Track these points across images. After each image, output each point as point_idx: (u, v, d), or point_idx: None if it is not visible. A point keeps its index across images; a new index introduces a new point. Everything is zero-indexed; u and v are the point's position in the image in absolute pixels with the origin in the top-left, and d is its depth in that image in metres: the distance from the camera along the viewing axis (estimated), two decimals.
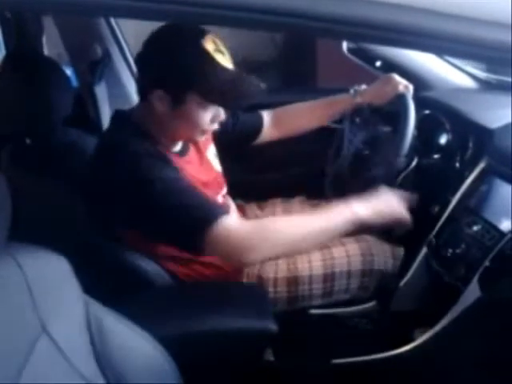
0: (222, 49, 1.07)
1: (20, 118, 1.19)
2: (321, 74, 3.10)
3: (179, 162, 1.14)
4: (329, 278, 1.28)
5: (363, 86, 1.44)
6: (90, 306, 0.81)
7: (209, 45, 1.04)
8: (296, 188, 1.66)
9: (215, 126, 1.15)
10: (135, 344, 0.85)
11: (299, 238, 1.05)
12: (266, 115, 1.49)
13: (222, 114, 1.12)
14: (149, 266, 1.16)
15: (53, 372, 0.73)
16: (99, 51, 1.53)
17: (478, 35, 0.67)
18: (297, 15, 0.65)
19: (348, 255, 1.30)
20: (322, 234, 1.06)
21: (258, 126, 1.48)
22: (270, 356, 1.13)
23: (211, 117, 1.11)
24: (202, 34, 1.04)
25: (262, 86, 1.11)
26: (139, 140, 1.08)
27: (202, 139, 1.21)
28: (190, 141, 1.21)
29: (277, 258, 1.14)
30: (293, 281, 1.27)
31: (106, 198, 1.08)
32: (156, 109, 1.08)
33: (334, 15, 0.65)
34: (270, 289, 1.26)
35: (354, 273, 1.30)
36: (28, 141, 1.25)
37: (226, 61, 1.07)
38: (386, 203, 1.10)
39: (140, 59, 1.11)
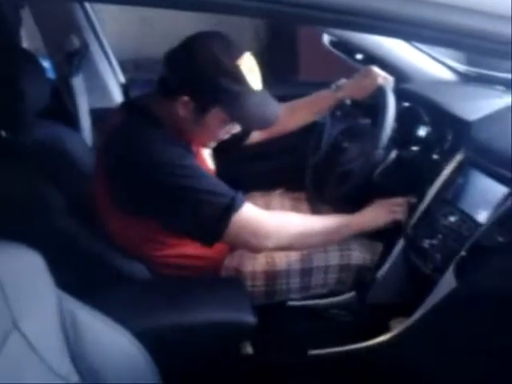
0: (255, 69, 1.08)
1: None
2: (303, 66, 3.10)
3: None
4: (306, 272, 1.29)
5: (343, 80, 1.44)
6: (63, 302, 0.80)
7: (244, 64, 1.05)
8: (276, 181, 1.66)
9: (227, 136, 1.18)
10: (110, 339, 0.85)
11: (310, 234, 1.15)
12: None
13: (238, 127, 1.16)
14: (127, 260, 1.15)
15: (24, 370, 0.72)
16: (76, 42, 1.50)
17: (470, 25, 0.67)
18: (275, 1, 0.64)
19: (326, 250, 1.31)
20: (327, 235, 1.19)
21: (247, 130, 1.47)
22: (248, 349, 1.13)
23: (227, 129, 1.14)
24: (241, 51, 1.06)
25: (280, 108, 1.16)
26: (160, 128, 1.09)
27: (211, 146, 1.24)
28: (200, 146, 1.24)
29: (289, 248, 1.20)
30: (271, 275, 1.27)
31: (125, 184, 1.08)
32: (178, 112, 1.09)
33: (319, 2, 0.65)
34: (248, 282, 1.27)
35: (332, 268, 1.31)
36: (3, 133, 1.22)
37: (256, 82, 1.08)
38: (380, 215, 1.25)
39: (174, 57, 1.09)
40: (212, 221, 1.05)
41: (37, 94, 1.19)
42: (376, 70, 1.38)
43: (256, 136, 1.51)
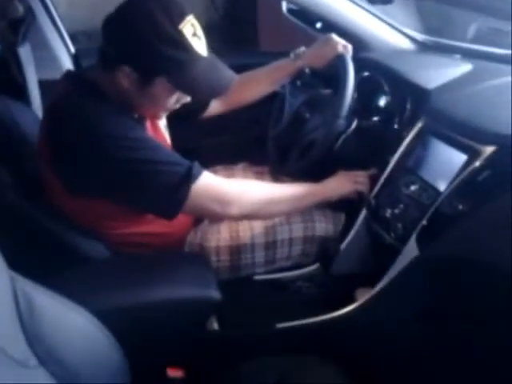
0: (199, 33, 1.01)
1: None
2: (262, 36, 3.06)
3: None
4: (271, 245, 1.28)
5: (302, 49, 1.41)
6: (16, 283, 0.76)
7: (187, 28, 0.98)
8: (238, 154, 1.64)
9: (178, 106, 1.12)
10: (68, 319, 0.81)
11: (274, 201, 1.15)
12: None
13: (187, 97, 1.09)
14: (84, 239, 1.11)
15: None
16: (21, 8, 1.41)
17: None
18: None
19: (289, 222, 1.30)
20: (292, 202, 1.18)
21: (206, 101, 1.43)
22: (214, 325, 1.12)
23: (176, 98, 1.08)
24: (182, 15, 0.98)
25: (234, 76, 1.09)
26: (107, 102, 1.04)
27: (162, 116, 1.20)
28: (151, 118, 1.18)
29: (254, 216, 1.18)
30: (235, 249, 1.26)
31: (72, 162, 1.02)
32: (120, 83, 1.02)
33: None
34: (213, 258, 1.25)
35: (296, 240, 1.30)
36: None
37: (201, 47, 1.02)
38: (344, 185, 1.26)
39: (110, 25, 1.01)
40: (169, 192, 1.01)
41: None
42: (336, 37, 1.36)
43: (214, 108, 1.47)
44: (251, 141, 1.74)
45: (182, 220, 1.24)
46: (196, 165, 1.04)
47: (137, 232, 1.17)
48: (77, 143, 1.01)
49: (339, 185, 1.27)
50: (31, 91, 1.45)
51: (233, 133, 1.89)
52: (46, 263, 0.98)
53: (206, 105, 1.44)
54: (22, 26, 1.35)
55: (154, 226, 1.17)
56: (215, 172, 1.52)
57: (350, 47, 1.35)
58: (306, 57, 1.40)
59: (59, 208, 1.10)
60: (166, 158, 1.02)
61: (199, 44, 1.01)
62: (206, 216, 1.17)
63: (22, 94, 1.43)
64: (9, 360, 0.71)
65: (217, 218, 1.17)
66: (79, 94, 1.05)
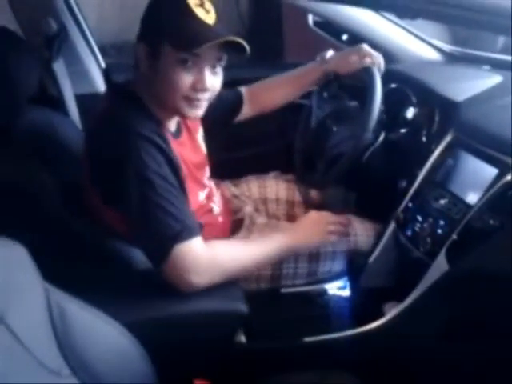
0: (208, 6, 1.02)
1: None
2: (288, 48, 3.07)
3: (174, 143, 1.11)
4: (314, 257, 1.28)
5: (330, 52, 1.41)
6: (50, 294, 0.78)
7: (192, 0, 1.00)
8: (269, 164, 1.65)
9: (200, 97, 1.07)
10: (100, 331, 0.83)
11: (245, 266, 1.12)
12: (243, 92, 1.47)
13: (204, 78, 1.04)
14: (123, 247, 1.12)
15: (13, 364, 0.69)
16: (54, 25, 1.45)
17: None
18: None
19: None
20: (260, 261, 1.15)
21: (239, 103, 1.45)
22: (241, 337, 1.12)
23: (192, 81, 1.04)
24: None
25: (238, 39, 1.03)
26: (141, 118, 1.05)
27: (190, 113, 1.10)
28: (178, 113, 1.12)
29: (219, 281, 1.10)
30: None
31: (105, 174, 1.05)
32: (140, 68, 1.05)
33: None
34: None
35: (339, 253, 1.30)
36: None
37: (207, 17, 1.01)
38: (314, 234, 1.21)
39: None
40: (156, 240, 1.00)
41: (28, 78, 1.14)
42: (367, 48, 1.35)
43: (244, 113, 1.48)
44: (282, 150, 1.74)
45: (220, 229, 1.25)
46: (192, 229, 1.01)
47: None
48: (110, 156, 1.03)
49: (309, 234, 1.21)
50: (69, 105, 1.49)
51: (261, 144, 1.90)
52: (82, 271, 1.00)
53: (238, 109, 1.45)
54: (55, 43, 1.39)
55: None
56: (248, 182, 1.56)
57: (381, 58, 1.34)
58: (332, 61, 1.39)
59: (98, 216, 1.12)
60: (172, 208, 1.00)
61: (204, 13, 1.01)
62: (173, 278, 1.03)
63: (58, 108, 1.47)
64: (43, 369, 0.72)
65: (182, 285, 1.03)
66: (115, 105, 1.08)
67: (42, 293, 0.77)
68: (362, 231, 1.34)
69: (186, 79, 1.03)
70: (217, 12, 1.03)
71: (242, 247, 1.14)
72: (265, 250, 1.14)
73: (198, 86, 1.05)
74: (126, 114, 1.05)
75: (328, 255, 1.29)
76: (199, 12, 1.00)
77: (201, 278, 1.02)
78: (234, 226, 1.37)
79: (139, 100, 1.08)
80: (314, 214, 1.24)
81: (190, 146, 1.23)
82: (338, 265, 1.31)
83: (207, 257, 1.03)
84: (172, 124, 1.16)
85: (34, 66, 1.18)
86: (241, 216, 1.41)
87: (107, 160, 1.03)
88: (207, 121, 1.30)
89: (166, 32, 1.01)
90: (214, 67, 1.05)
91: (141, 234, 1.04)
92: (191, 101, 1.07)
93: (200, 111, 1.10)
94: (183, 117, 1.16)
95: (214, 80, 1.06)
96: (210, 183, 1.33)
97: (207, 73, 1.04)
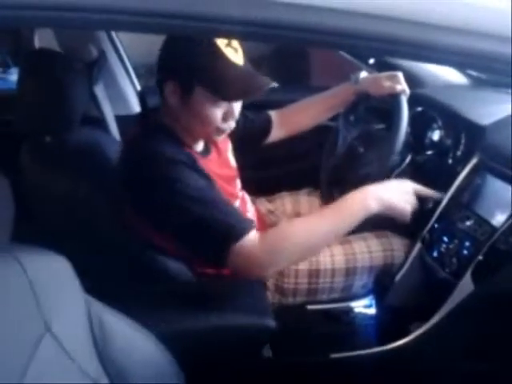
0: (235, 46, 1.07)
1: (40, 116, 1.20)
2: (314, 71, 3.11)
3: (203, 161, 1.15)
4: (351, 272, 1.31)
5: (364, 73, 1.44)
6: (91, 306, 0.82)
7: (220, 40, 1.05)
8: (301, 181, 1.69)
9: (231, 125, 1.14)
10: (137, 344, 0.87)
11: (315, 243, 1.05)
12: (273, 115, 1.51)
13: (234, 111, 1.10)
14: (168, 261, 1.16)
15: (57, 371, 0.73)
16: (94, 52, 1.53)
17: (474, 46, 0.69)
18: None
19: (370, 251, 1.33)
20: (334, 233, 1.06)
21: (267, 126, 1.49)
22: (268, 352, 1.15)
23: (223, 113, 1.09)
24: None
25: (272, 83, 1.09)
26: (168, 143, 1.08)
27: (219, 139, 1.19)
28: (208, 140, 1.20)
29: (293, 264, 1.16)
30: (314, 273, 1.29)
31: (139, 203, 1.09)
32: (169, 102, 1.09)
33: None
34: (291, 280, 1.28)
35: (375, 268, 1.33)
36: (48, 139, 1.24)
37: (236, 57, 1.06)
38: (398, 197, 1.09)
39: (160, 55, 1.11)
40: (212, 247, 1.02)
41: (80, 98, 1.21)
42: (401, 77, 1.36)
43: (274, 135, 1.51)
44: (312, 169, 1.78)
45: None
46: (242, 226, 1.02)
47: None
48: (145, 184, 1.07)
49: (395, 201, 1.08)
50: (111, 126, 1.56)
51: (291, 163, 1.94)
52: (122, 284, 1.04)
53: (266, 132, 1.49)
54: (95, 68, 1.46)
55: None
56: (282, 198, 1.60)
57: (408, 92, 1.34)
58: (366, 82, 1.42)
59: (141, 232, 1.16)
60: (218, 214, 1.02)
61: (233, 53, 1.06)
62: (246, 274, 1.06)
63: (101, 129, 1.54)
64: (84, 375, 0.76)
65: (256, 277, 1.10)
66: (144, 133, 1.13)
67: (84, 304, 0.82)
68: (398, 246, 1.36)
69: (218, 114, 1.09)
70: (241, 47, 1.08)
71: (314, 223, 1.05)
72: (342, 222, 1.04)
73: (229, 118, 1.11)
74: (153, 142, 1.08)
75: (365, 269, 1.32)
76: (229, 53, 1.05)
77: (264, 269, 1.04)
78: None
79: (167, 128, 1.12)
80: (397, 183, 1.14)
81: (219, 162, 1.26)
82: (372, 279, 1.33)
83: (265, 249, 1.01)
84: (199, 145, 1.20)
85: (85, 86, 1.25)
86: None
87: (144, 188, 1.06)
88: (235, 140, 1.36)
89: (199, 74, 1.04)
90: None
91: (197, 247, 1.06)
92: (222, 131, 1.13)
93: (225, 134, 1.17)
94: (210, 141, 1.22)
95: (239, 106, 1.12)
96: (243, 194, 1.36)
97: (236, 105, 1.10)
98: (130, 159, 1.11)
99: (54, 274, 0.80)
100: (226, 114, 1.10)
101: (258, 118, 1.48)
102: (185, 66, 1.06)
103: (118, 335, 0.84)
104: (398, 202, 1.08)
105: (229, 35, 0.86)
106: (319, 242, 1.05)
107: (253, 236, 1.02)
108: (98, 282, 0.84)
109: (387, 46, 0.70)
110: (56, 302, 0.77)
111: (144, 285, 1.11)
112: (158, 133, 1.11)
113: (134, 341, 0.87)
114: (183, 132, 1.13)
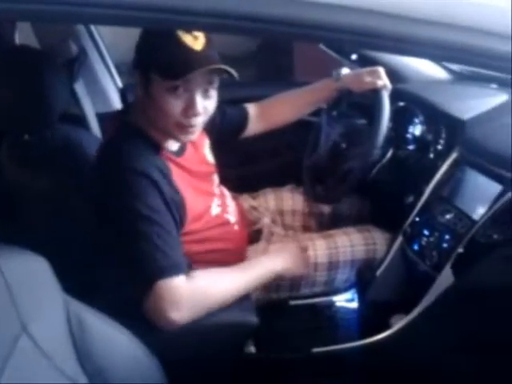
0: (197, 34, 1.03)
1: (19, 114, 1.17)
2: (297, 67, 3.11)
3: (176, 163, 1.13)
4: (333, 266, 1.32)
5: (345, 69, 1.45)
6: (70, 305, 0.82)
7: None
8: (284, 178, 1.69)
9: (194, 122, 1.07)
10: (118, 343, 0.87)
11: (230, 294, 1.06)
12: (251, 108, 1.49)
13: (196, 105, 1.03)
14: None
15: (34, 371, 0.73)
16: (75, 48, 1.52)
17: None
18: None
19: (352, 244, 1.34)
20: (246, 289, 1.10)
21: (244, 120, 1.48)
22: (251, 348, 1.15)
23: (183, 107, 1.04)
24: None
25: (232, 74, 1.04)
26: (143, 149, 1.06)
27: (186, 138, 1.13)
28: (175, 139, 1.14)
29: (201, 315, 1.06)
30: None
31: (98, 205, 1.08)
32: (137, 95, 1.08)
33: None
34: None
35: (357, 262, 1.34)
36: (26, 137, 1.22)
37: (194, 43, 1.02)
38: (294, 260, 1.22)
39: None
40: (140, 272, 1.00)
41: (59, 96, 1.18)
42: (382, 72, 1.36)
43: (252, 129, 1.50)
44: (296, 164, 1.78)
45: (237, 238, 1.28)
46: (177, 266, 1.00)
47: (205, 250, 1.19)
48: (105, 190, 1.06)
49: (295, 264, 1.22)
50: (91, 124, 1.54)
51: (272, 159, 1.94)
52: (99, 283, 1.03)
53: (243, 125, 1.48)
54: (75, 64, 1.45)
55: (217, 244, 1.21)
56: (265, 194, 1.60)
57: (389, 87, 1.34)
58: (346, 78, 1.43)
59: None
60: (160, 243, 0.99)
61: (192, 40, 1.02)
62: (153, 314, 1.00)
63: (82, 126, 1.52)
64: (61, 374, 0.76)
65: (161, 321, 1.00)
66: (116, 137, 1.11)
67: (62, 304, 0.81)
68: (380, 240, 1.37)
69: (177, 106, 1.04)
70: (207, 37, 1.04)
71: (228, 276, 1.10)
72: (253, 276, 1.12)
73: (190, 112, 1.04)
74: (122, 148, 1.06)
75: (347, 264, 1.33)
76: (186, 39, 1.01)
77: (181, 314, 0.98)
78: (253, 236, 1.41)
79: (137, 127, 1.10)
80: (294, 245, 1.27)
81: (195, 159, 1.24)
82: (354, 274, 1.34)
83: (188, 294, 1.00)
84: (172, 144, 1.16)
85: (65, 83, 1.23)
86: (259, 227, 1.45)
87: (103, 193, 1.06)
88: (212, 135, 1.34)
89: (154, 60, 1.02)
90: (206, 91, 1.05)
91: (128, 265, 1.03)
92: (183, 127, 1.07)
93: (193, 136, 1.11)
94: (177, 141, 1.16)
95: (206, 103, 1.06)
96: (222, 190, 1.36)
97: (198, 98, 1.04)
98: (101, 163, 1.10)
99: (31, 274, 0.79)
100: (186, 107, 1.04)
101: (235, 111, 1.47)
102: (143, 54, 1.06)
103: (97, 335, 0.84)
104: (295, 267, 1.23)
105: (208, 28, 0.85)
106: (231, 296, 1.07)
107: (181, 280, 1.00)
108: (79, 282, 0.83)
109: (370, 40, 0.70)
110: (33, 302, 0.77)
111: (126, 283, 1.10)
112: (132, 136, 1.08)
113: (115, 340, 0.87)
114: (152, 130, 1.11)
